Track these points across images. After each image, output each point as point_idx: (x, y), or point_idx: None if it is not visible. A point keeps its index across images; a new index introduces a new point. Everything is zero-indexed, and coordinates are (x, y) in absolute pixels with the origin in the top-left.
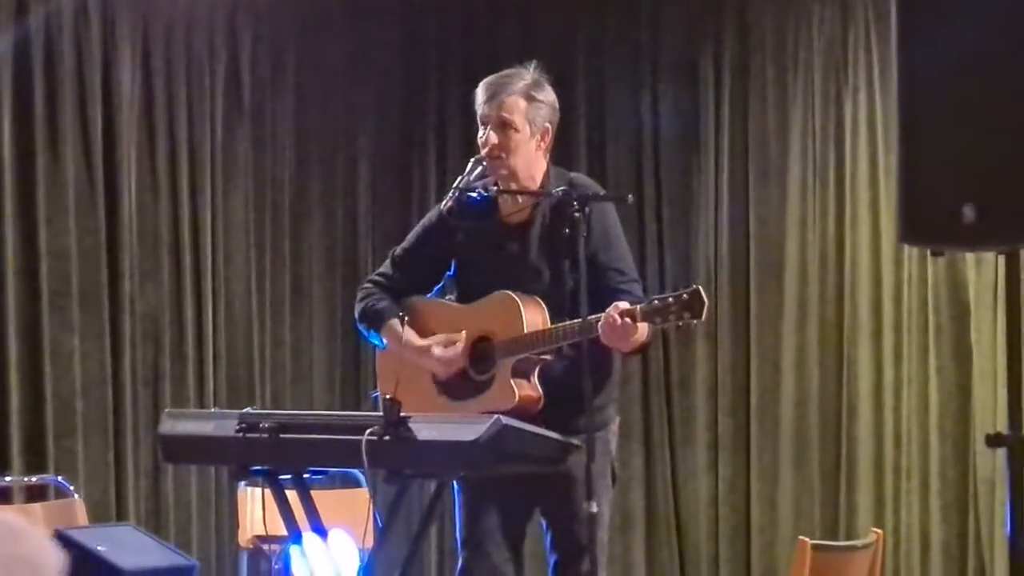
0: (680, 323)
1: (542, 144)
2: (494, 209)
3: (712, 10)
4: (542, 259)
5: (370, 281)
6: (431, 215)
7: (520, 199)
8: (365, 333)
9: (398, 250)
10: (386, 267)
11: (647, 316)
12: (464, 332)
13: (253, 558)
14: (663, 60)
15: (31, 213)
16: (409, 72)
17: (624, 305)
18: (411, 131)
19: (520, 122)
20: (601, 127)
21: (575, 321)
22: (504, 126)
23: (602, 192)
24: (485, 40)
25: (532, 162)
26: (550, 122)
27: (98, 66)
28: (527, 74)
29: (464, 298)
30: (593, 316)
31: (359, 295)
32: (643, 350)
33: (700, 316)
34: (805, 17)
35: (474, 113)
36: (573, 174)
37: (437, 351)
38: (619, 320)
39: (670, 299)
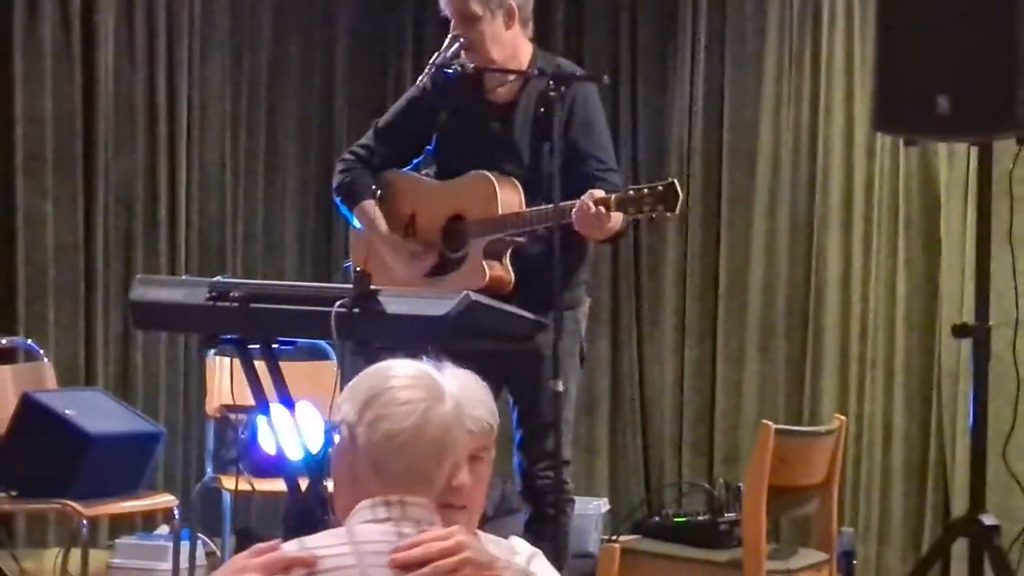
0: (653, 215)
1: (512, 23)
2: (480, 87)
3: None
4: (524, 140)
5: (351, 152)
6: (415, 89)
7: (502, 78)
8: (340, 208)
9: (381, 122)
10: (368, 138)
11: (621, 205)
12: (432, 257)
13: (220, 427)
14: None
15: (7, 75)
16: None
17: (599, 193)
18: (389, 4)
19: (478, 9)
20: (579, 7)
21: (548, 206)
22: (465, 18)
23: (580, 72)
24: None
25: (508, 43)
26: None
27: None
28: None
29: (442, 174)
30: (568, 202)
31: (338, 167)
32: (616, 239)
33: (674, 209)
34: None
35: None
36: (560, 60)
37: (398, 265)
38: (593, 208)
39: (645, 190)
